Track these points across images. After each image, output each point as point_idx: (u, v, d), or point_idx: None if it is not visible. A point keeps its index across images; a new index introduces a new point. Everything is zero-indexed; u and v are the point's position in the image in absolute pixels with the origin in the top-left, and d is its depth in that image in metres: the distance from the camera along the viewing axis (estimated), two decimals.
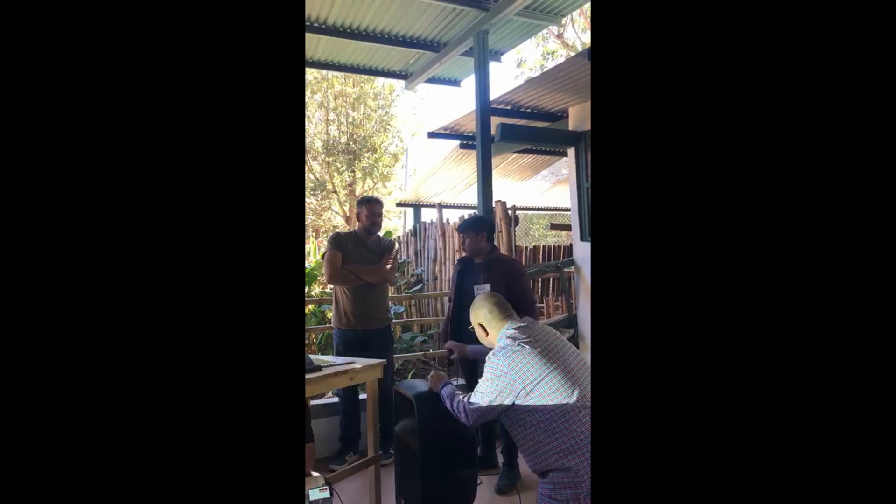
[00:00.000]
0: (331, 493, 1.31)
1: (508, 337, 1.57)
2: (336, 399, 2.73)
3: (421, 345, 4.17)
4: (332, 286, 2.66)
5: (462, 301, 2.48)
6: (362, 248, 2.59)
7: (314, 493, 1.31)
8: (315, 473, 1.51)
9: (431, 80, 4.11)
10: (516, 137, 3.45)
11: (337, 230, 3.00)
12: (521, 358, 1.50)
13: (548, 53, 10.32)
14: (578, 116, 3.70)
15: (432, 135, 4.52)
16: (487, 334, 1.71)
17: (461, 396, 1.67)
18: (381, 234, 2.91)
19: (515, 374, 1.49)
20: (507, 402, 1.51)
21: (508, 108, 3.84)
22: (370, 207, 2.66)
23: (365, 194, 9.86)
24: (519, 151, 5.19)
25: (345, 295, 2.56)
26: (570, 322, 3.66)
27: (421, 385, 2.12)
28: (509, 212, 4.21)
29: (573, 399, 1.46)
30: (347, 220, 9.32)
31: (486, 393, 1.54)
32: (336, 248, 2.53)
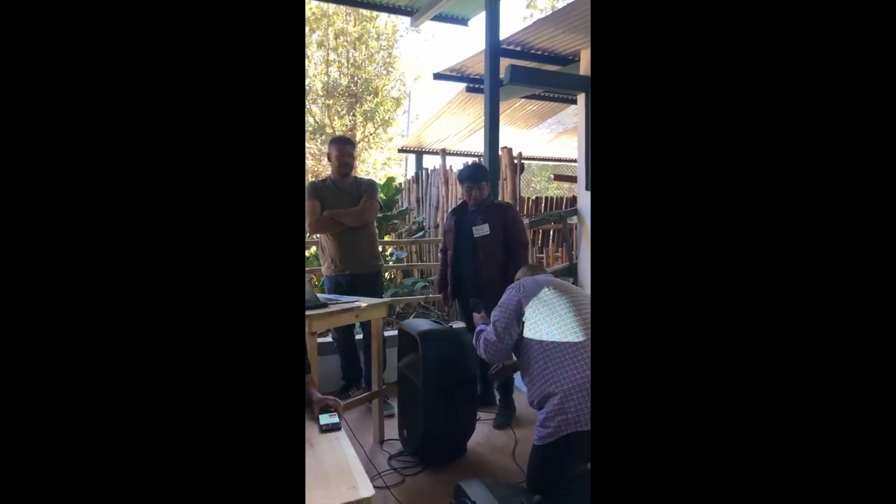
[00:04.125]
0: (339, 421, 1.36)
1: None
2: (330, 339, 2.78)
3: (422, 290, 4.22)
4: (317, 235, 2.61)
5: (462, 246, 2.50)
6: (340, 193, 2.51)
7: (324, 418, 1.36)
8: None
9: (438, 18, 3.92)
10: (526, 81, 3.33)
11: (311, 180, 2.89)
12: (529, 282, 1.73)
13: None
14: (591, 60, 3.57)
15: (438, 76, 4.37)
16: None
17: (485, 332, 1.76)
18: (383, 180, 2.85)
19: (518, 293, 1.69)
20: (514, 325, 1.65)
21: (518, 49, 3.70)
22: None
23: (367, 139, 9.69)
24: (526, 97, 5.05)
25: (330, 241, 2.52)
26: (571, 271, 3.69)
27: (424, 324, 2.17)
28: (515, 160, 4.15)
29: (578, 336, 1.54)
30: None
31: (496, 318, 1.71)
32: (313, 197, 2.45)
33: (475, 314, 2.13)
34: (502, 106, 4.04)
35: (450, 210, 2.72)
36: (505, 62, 3.29)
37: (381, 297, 2.58)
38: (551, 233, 5.71)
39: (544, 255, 5.02)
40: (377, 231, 2.96)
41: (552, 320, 1.60)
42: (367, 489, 1.05)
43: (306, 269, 3.48)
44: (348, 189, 2.55)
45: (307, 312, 1.88)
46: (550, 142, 7.12)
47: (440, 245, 2.75)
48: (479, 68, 4.16)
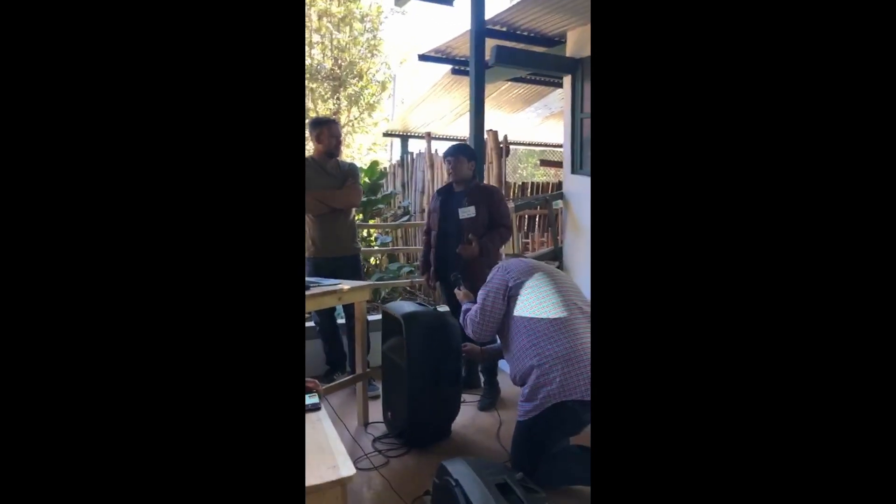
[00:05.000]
0: (319, 401, 1.34)
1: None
2: (312, 324, 2.75)
3: (407, 275, 4.20)
4: None
5: (447, 228, 2.48)
6: (323, 174, 2.47)
7: (305, 398, 1.34)
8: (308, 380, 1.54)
9: None
10: (512, 61, 3.29)
11: None
12: (514, 262, 1.77)
13: None
14: (577, 42, 3.53)
15: (423, 58, 4.29)
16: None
17: (471, 311, 1.77)
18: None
19: (505, 273, 1.73)
20: (500, 302, 1.68)
21: (504, 29, 3.64)
22: (332, 128, 2.50)
23: (350, 123, 9.54)
24: (512, 80, 5.00)
25: (311, 223, 2.48)
26: (556, 255, 3.70)
27: (408, 306, 2.15)
28: (501, 143, 4.11)
29: (560, 313, 1.55)
30: None
31: (483, 297, 1.74)
32: None
33: (457, 290, 2.12)
34: (488, 90, 4.00)
35: (435, 192, 2.69)
36: (491, 43, 3.24)
37: (362, 280, 2.55)
38: (537, 218, 5.72)
39: (530, 241, 5.02)
40: (362, 215, 2.92)
41: (536, 298, 1.62)
42: (348, 469, 1.03)
43: None
44: (331, 171, 2.51)
45: None
46: (537, 126, 7.10)
47: (424, 226, 2.73)
48: (465, 49, 4.09)
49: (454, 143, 2.86)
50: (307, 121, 2.61)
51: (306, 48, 9.39)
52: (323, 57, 9.43)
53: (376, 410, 2.30)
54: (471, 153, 2.54)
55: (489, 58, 3.10)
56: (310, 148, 2.56)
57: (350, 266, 2.54)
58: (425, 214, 2.93)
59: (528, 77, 4.88)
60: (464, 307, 1.89)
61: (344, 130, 9.05)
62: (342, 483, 1.01)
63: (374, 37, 9.75)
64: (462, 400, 2.23)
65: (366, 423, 2.25)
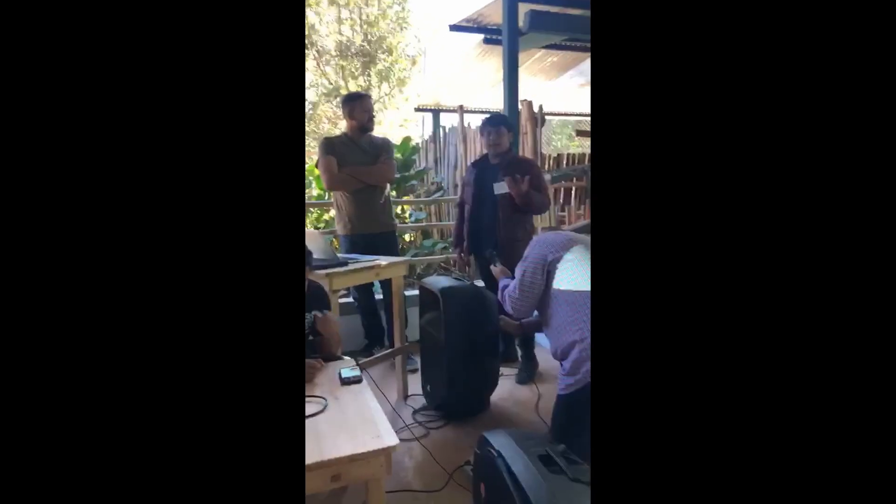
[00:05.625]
0: (360, 373, 1.37)
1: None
2: (350, 299, 2.80)
3: (441, 251, 4.21)
4: (332, 192, 2.56)
5: (482, 199, 2.44)
6: (356, 150, 2.47)
7: (346, 371, 1.36)
8: (346, 357, 1.58)
9: None
10: (547, 27, 3.16)
11: (326, 136, 2.84)
12: (551, 236, 1.72)
13: None
14: None
15: (454, 27, 4.18)
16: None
17: (509, 287, 1.76)
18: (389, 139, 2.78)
19: (544, 247, 1.69)
20: (539, 277, 1.66)
21: None
22: (364, 103, 2.49)
23: (381, 100, 9.48)
24: (546, 47, 4.82)
25: (346, 200, 2.49)
26: None
27: (445, 281, 2.15)
28: (536, 113, 4.00)
29: None
30: None
31: (521, 272, 1.70)
32: (329, 153, 2.41)
33: (493, 267, 2.10)
34: (521, 57, 3.87)
35: (470, 164, 2.66)
36: (524, 8, 3.12)
37: (398, 256, 2.57)
38: (573, 190, 5.58)
39: (566, 213, 4.91)
40: (395, 192, 2.92)
41: (576, 271, 1.58)
42: (391, 438, 1.05)
43: (327, 230, 3.48)
44: (364, 146, 2.50)
45: (328, 271, 1.88)
46: (573, 93, 6.87)
47: (458, 199, 2.70)
48: (497, 17, 3.96)
49: (488, 114, 2.79)
50: (340, 97, 2.62)
51: (336, 25, 9.34)
52: (352, 32, 9.37)
53: (415, 384, 2.34)
54: (510, 124, 2.49)
55: (522, 24, 2.99)
56: (342, 125, 2.56)
57: (386, 242, 2.55)
58: (459, 188, 2.90)
59: (564, 43, 4.69)
60: (501, 284, 1.88)
61: (375, 107, 9.07)
62: (386, 452, 1.03)
63: (403, 9, 9.60)
64: (500, 373, 2.24)
65: (405, 396, 2.30)
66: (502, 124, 2.42)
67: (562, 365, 1.58)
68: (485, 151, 2.51)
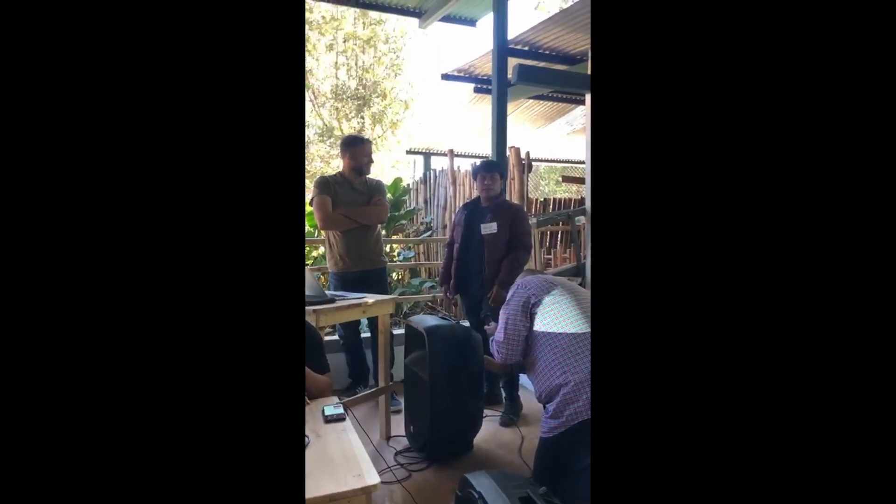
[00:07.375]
0: (344, 411, 1.37)
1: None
2: (336, 337, 2.79)
3: (429, 290, 4.23)
4: (324, 231, 2.60)
5: (471, 240, 2.52)
6: (351, 190, 2.53)
7: (329, 409, 1.36)
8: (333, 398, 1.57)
9: (446, 19, 3.93)
10: (534, 80, 3.33)
11: (322, 175, 2.89)
12: (531, 279, 1.76)
13: None
14: None
15: (446, 77, 4.38)
16: None
17: (495, 334, 1.77)
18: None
19: (525, 290, 1.72)
20: (522, 320, 1.68)
21: (526, 48, 3.71)
22: (366, 147, 2.58)
23: (375, 142, 9.71)
24: (534, 98, 5.05)
25: (338, 238, 2.54)
26: (578, 271, 3.67)
27: (431, 320, 2.17)
28: (523, 159, 4.14)
29: (584, 328, 1.55)
30: None
31: (504, 317, 1.73)
32: (324, 193, 2.47)
33: (486, 327, 2.18)
34: (510, 107, 4.05)
35: (461, 206, 2.75)
36: (513, 62, 3.30)
37: (388, 293, 2.59)
38: (559, 234, 5.70)
39: (552, 257, 5.00)
40: (385, 230, 2.97)
41: (557, 313, 1.61)
42: (373, 477, 1.05)
43: (315, 267, 3.50)
44: (359, 187, 2.57)
45: (315, 308, 1.89)
46: (559, 141, 7.12)
47: (447, 239, 2.77)
48: (488, 69, 4.16)
49: (478, 159, 2.91)
50: (341, 139, 2.71)
51: (333, 69, 9.67)
52: (348, 77, 9.69)
53: (398, 425, 2.31)
54: (503, 170, 2.64)
55: (511, 76, 3.16)
56: (335, 164, 2.63)
57: (376, 278, 2.59)
58: (448, 229, 2.97)
59: (550, 94, 4.93)
60: (492, 337, 1.92)
61: None
62: (367, 491, 1.03)
63: (398, 57, 10.00)
64: (484, 415, 2.23)
65: (388, 437, 2.26)
66: (496, 170, 2.55)
67: (545, 408, 1.59)
68: (476, 194, 2.61)
